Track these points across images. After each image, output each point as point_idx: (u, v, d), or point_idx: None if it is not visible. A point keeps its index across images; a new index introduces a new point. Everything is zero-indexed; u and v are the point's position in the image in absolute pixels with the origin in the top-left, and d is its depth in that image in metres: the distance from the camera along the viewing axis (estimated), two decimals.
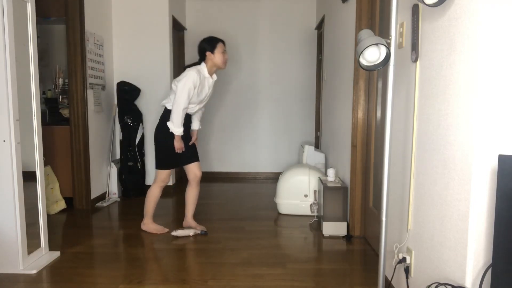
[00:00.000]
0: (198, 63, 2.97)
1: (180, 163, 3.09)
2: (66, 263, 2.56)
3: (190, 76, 2.81)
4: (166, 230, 3.14)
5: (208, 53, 2.92)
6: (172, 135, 2.89)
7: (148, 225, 3.14)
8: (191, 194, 3.19)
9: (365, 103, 2.96)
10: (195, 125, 3.16)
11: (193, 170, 3.11)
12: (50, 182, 3.69)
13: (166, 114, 2.95)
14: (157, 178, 3.06)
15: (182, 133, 2.90)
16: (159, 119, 3.02)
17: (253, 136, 5.50)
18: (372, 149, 2.89)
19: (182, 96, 2.79)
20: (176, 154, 2.96)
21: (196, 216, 3.55)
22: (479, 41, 1.31)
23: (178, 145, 2.91)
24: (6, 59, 2.25)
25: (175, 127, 2.84)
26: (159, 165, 3.02)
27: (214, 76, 3.01)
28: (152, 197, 3.09)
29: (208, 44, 2.94)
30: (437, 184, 1.62)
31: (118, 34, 4.44)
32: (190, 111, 2.99)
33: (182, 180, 5.22)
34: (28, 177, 2.46)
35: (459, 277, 1.43)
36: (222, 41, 2.99)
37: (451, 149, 1.50)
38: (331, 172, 3.24)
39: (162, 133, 2.94)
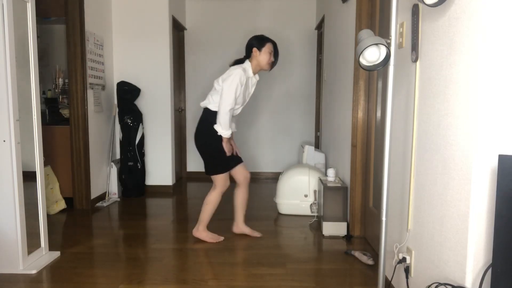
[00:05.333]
0: (243, 60, 2.87)
1: (230, 163, 2.94)
2: (66, 263, 2.56)
3: (236, 74, 2.69)
4: (222, 238, 2.97)
5: (254, 50, 2.80)
6: (218, 136, 2.76)
7: (201, 232, 2.96)
8: (242, 197, 3.03)
9: (365, 103, 2.96)
10: (233, 126, 2.98)
11: (242, 172, 2.97)
12: (50, 182, 3.69)
13: (208, 116, 2.81)
14: (217, 184, 2.88)
15: (230, 136, 2.80)
16: (199, 123, 2.87)
17: (253, 136, 5.51)
18: (372, 149, 2.89)
19: (230, 95, 2.67)
20: (226, 155, 2.84)
21: (196, 216, 3.55)
22: (479, 41, 1.31)
23: (228, 148, 2.80)
24: (6, 59, 2.25)
25: (224, 129, 2.71)
26: (219, 169, 2.85)
27: (257, 76, 2.90)
28: (212, 204, 2.91)
29: (257, 41, 2.82)
30: (437, 184, 1.62)
31: (118, 34, 4.44)
32: (234, 113, 2.85)
33: (181, 181, 5.22)
34: (28, 177, 2.46)
35: (459, 277, 1.43)
36: (273, 42, 2.86)
37: (451, 149, 1.50)
38: (331, 172, 3.24)
39: (209, 136, 2.79)
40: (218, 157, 2.83)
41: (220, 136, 2.76)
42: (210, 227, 3.08)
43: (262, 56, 2.81)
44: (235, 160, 2.95)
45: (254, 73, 2.86)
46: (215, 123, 2.75)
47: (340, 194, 3.06)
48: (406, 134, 1.97)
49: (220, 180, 2.88)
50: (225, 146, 2.79)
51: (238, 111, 2.90)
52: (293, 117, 5.49)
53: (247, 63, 2.83)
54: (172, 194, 4.49)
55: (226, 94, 2.68)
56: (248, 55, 2.87)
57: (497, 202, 1.21)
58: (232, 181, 2.99)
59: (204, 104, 2.88)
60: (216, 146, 2.80)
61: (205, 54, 5.40)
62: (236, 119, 3.05)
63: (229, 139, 2.83)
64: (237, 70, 2.72)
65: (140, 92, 4.45)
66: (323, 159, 4.21)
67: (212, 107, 2.80)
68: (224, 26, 5.35)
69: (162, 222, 3.43)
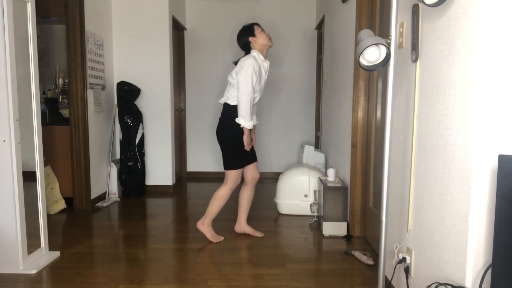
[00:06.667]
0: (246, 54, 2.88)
1: (246, 160, 2.95)
2: (66, 263, 2.56)
3: (249, 63, 2.71)
4: (222, 238, 2.98)
5: (251, 38, 2.85)
6: (239, 131, 2.79)
7: (205, 226, 2.96)
8: (247, 196, 3.05)
9: (365, 103, 2.96)
10: (254, 119, 2.95)
11: (252, 172, 2.98)
12: (50, 182, 3.69)
13: (229, 111, 2.83)
14: (228, 180, 2.89)
15: (252, 127, 2.79)
16: (221, 118, 2.90)
17: None
18: (372, 149, 2.89)
19: (247, 85, 2.69)
20: (244, 150, 2.85)
21: (196, 216, 3.56)
22: (479, 41, 1.31)
23: (248, 140, 2.80)
24: (6, 59, 2.25)
25: (246, 120, 2.72)
26: (235, 165, 2.87)
27: (267, 61, 2.93)
28: (221, 199, 2.91)
29: (246, 33, 2.88)
30: (437, 184, 1.62)
31: (118, 34, 4.44)
32: (254, 100, 2.86)
33: (181, 181, 5.22)
34: (28, 177, 2.46)
35: (459, 277, 1.43)
36: (256, 23, 2.92)
37: (451, 149, 1.50)
38: (331, 172, 3.24)
39: (229, 130, 2.82)
40: (236, 152, 2.85)
41: (240, 130, 2.78)
42: (214, 228, 3.07)
43: (259, 37, 2.85)
44: (251, 157, 2.97)
45: (264, 56, 2.89)
46: (236, 117, 2.76)
47: (340, 194, 3.06)
48: (406, 134, 1.97)
49: (232, 176, 2.88)
50: (246, 139, 2.80)
51: (257, 98, 2.91)
52: (293, 117, 5.48)
53: (253, 51, 2.86)
54: (172, 194, 4.49)
55: (243, 85, 2.70)
56: (248, 48, 2.89)
57: (497, 202, 1.21)
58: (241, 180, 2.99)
59: (223, 100, 2.89)
60: (236, 141, 2.82)
61: (205, 54, 5.40)
62: (256, 111, 3.04)
63: (250, 132, 2.85)
64: (248, 59, 2.74)
65: (140, 92, 4.45)
66: (323, 159, 4.21)
67: (231, 102, 2.82)
68: (224, 26, 5.35)
69: (162, 222, 3.43)
